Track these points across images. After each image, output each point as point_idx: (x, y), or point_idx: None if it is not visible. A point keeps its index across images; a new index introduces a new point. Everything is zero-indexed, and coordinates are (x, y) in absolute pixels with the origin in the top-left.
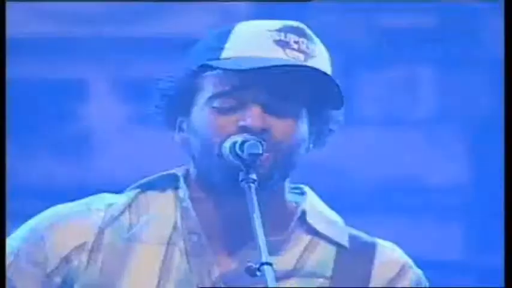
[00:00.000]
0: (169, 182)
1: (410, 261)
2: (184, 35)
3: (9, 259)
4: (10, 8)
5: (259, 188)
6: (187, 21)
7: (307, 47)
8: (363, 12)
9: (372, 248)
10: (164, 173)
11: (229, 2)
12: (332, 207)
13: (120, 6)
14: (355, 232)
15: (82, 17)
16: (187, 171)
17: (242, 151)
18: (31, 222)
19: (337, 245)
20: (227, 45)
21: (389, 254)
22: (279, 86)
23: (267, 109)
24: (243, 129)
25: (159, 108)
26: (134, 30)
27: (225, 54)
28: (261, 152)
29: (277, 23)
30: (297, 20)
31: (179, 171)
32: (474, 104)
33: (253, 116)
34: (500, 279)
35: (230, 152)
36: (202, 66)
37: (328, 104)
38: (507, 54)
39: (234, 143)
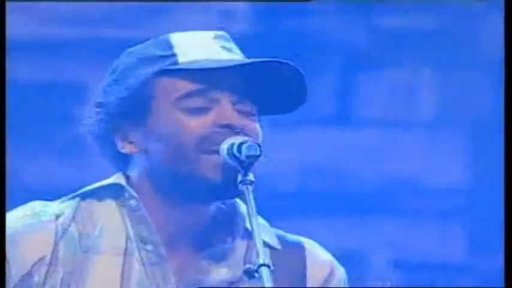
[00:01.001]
0: (110, 192)
1: (334, 259)
2: None
3: None
4: (10, 9)
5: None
6: (187, 22)
7: (241, 54)
8: (362, 13)
9: (299, 248)
10: (104, 182)
11: (229, 2)
12: (332, 209)
13: (121, 8)
14: (279, 232)
15: (82, 19)
16: (128, 180)
17: (240, 153)
18: None
19: (270, 247)
20: (178, 52)
21: (318, 254)
22: (245, 85)
23: (235, 108)
24: (223, 127)
25: (102, 120)
26: (135, 31)
27: (182, 59)
28: (258, 153)
29: (211, 33)
30: (296, 20)
31: (121, 181)
32: (474, 105)
33: (228, 114)
34: (501, 281)
35: (228, 153)
36: (159, 72)
37: (289, 101)
38: (507, 56)
39: (232, 145)
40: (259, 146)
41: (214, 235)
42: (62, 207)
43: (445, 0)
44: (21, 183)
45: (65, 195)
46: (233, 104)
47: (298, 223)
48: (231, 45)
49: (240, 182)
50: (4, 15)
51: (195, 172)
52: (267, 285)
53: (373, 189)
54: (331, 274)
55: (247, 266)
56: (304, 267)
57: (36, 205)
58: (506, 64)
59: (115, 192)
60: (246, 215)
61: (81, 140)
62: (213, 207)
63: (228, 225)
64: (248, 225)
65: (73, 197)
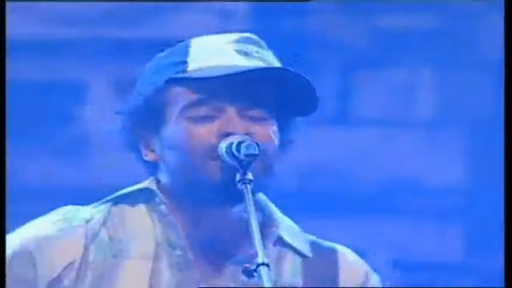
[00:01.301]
0: (142, 196)
1: (368, 266)
2: (184, 36)
3: None
4: (10, 9)
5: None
6: (187, 21)
7: (267, 56)
8: (362, 13)
9: (333, 254)
10: (136, 187)
11: (229, 2)
12: (332, 209)
13: (121, 8)
14: (311, 238)
15: (82, 19)
16: (159, 186)
17: (239, 152)
18: (16, 239)
19: (302, 255)
20: (190, 59)
21: (352, 261)
22: (252, 91)
23: (243, 114)
24: (227, 136)
25: (125, 129)
26: (134, 31)
27: (191, 66)
28: (257, 152)
29: (234, 35)
30: (296, 20)
31: (152, 186)
32: (474, 105)
33: (233, 122)
34: (500, 280)
35: (226, 152)
36: (168, 80)
37: (300, 107)
38: (507, 56)
39: (231, 144)
40: (258, 145)
41: (243, 242)
42: (94, 212)
43: (445, 0)
44: (21, 183)
45: (65, 195)
46: (239, 110)
47: (298, 223)
48: (252, 48)
49: (239, 181)
50: (4, 15)
51: (203, 177)
52: (266, 285)
53: (373, 189)
54: (365, 282)
55: (246, 265)
56: (337, 274)
57: (68, 210)
58: (506, 64)
59: (146, 196)
60: (281, 223)
61: (81, 140)
62: (239, 213)
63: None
64: (282, 234)
65: (105, 202)
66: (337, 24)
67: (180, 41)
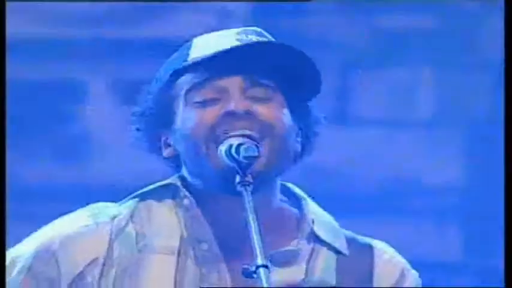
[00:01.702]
0: (167, 192)
1: (406, 263)
2: (184, 36)
3: (19, 275)
4: (10, 9)
5: (254, 189)
6: (187, 21)
7: None
8: (362, 13)
9: (369, 251)
10: (162, 183)
11: (228, 2)
12: (329, 209)
13: (121, 8)
14: (349, 234)
15: (82, 18)
16: (183, 181)
17: (238, 154)
18: (40, 238)
19: (337, 251)
20: (191, 51)
21: (388, 258)
22: (254, 69)
23: (246, 94)
24: (228, 115)
25: (140, 130)
26: (134, 31)
27: (192, 56)
28: (257, 154)
29: (236, 29)
30: (296, 20)
31: (176, 181)
32: (474, 105)
33: (235, 100)
34: (500, 280)
35: (226, 154)
36: (172, 74)
37: (305, 86)
38: (507, 56)
39: (230, 146)
40: (257, 147)
41: (273, 237)
42: (121, 208)
43: (445, 0)
44: (21, 183)
45: (65, 195)
46: (241, 90)
47: None
48: (252, 37)
49: (238, 183)
50: (4, 15)
51: (209, 164)
52: (265, 286)
53: (373, 189)
54: (401, 279)
55: (245, 266)
56: (372, 271)
57: (97, 206)
58: (506, 64)
59: (172, 192)
60: (316, 219)
61: (81, 139)
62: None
63: (291, 229)
64: (316, 228)
65: (133, 197)
66: (337, 24)
67: (186, 41)
